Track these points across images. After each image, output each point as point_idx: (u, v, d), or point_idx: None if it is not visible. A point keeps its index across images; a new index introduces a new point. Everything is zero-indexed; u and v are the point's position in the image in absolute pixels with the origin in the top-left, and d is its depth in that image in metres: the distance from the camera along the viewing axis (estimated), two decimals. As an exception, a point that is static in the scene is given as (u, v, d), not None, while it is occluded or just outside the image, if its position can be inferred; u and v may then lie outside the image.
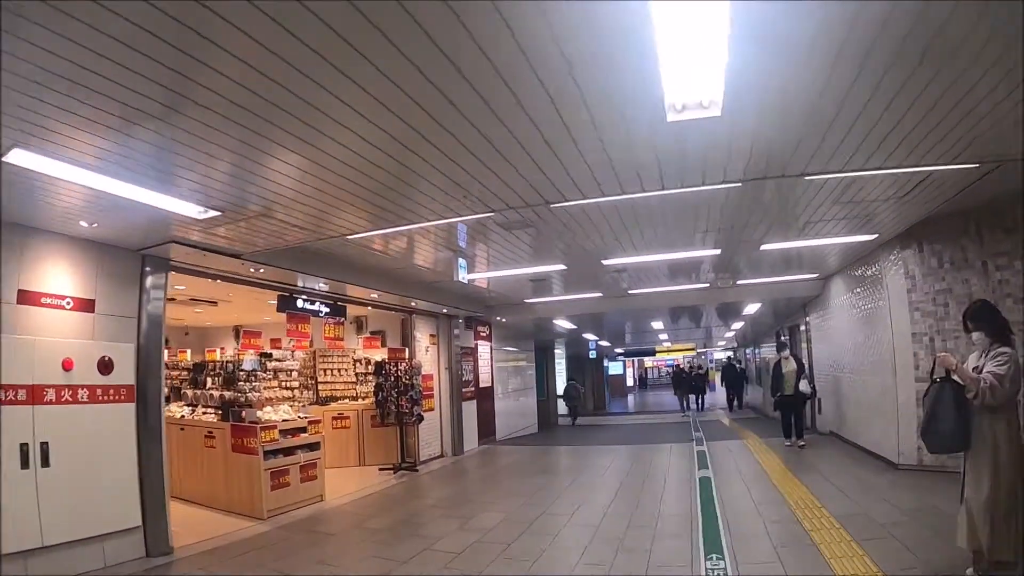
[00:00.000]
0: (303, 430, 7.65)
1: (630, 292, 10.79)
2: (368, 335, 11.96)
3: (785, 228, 6.77)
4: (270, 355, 9.86)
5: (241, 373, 8.20)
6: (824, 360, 12.11)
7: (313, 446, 7.69)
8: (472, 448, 12.39)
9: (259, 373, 8.59)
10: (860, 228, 6.96)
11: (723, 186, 4.72)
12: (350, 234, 5.60)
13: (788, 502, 6.42)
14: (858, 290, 9.49)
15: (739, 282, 10.65)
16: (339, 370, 11.80)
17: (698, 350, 35.18)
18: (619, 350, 29.68)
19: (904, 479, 7.05)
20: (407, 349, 10.37)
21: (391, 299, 9.25)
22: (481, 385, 13.27)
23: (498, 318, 13.04)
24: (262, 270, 6.77)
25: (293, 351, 10.24)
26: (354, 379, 11.73)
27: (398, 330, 11.30)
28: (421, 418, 9.94)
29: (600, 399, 29.76)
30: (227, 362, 9.04)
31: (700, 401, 21.67)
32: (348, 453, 10.63)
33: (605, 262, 7.49)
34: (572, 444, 13.41)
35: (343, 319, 9.08)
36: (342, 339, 11.43)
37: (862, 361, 9.28)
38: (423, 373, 10.16)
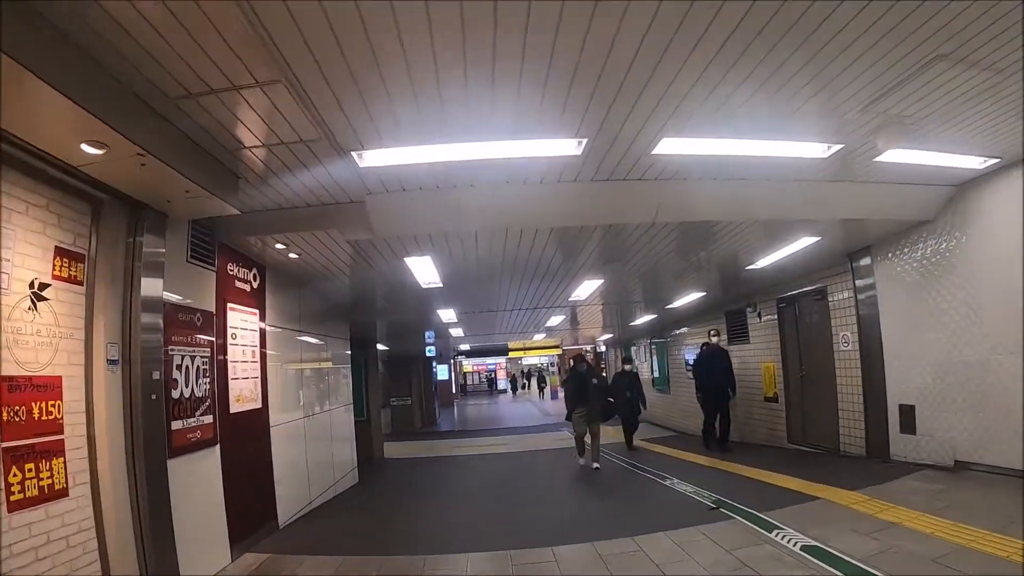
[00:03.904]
0: None
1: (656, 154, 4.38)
2: None
3: None
4: None
5: None
6: (927, 346, 7.02)
7: None
8: (208, 579, 4.92)
9: None
10: None
11: None
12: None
13: None
14: None
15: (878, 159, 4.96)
16: None
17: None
18: (464, 347, 23.23)
19: None
20: None
21: None
22: (238, 407, 5.62)
23: (279, 246, 5.70)
24: None
25: None
26: None
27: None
28: None
29: (430, 413, 23.40)
30: None
31: (631, 427, 12.10)
32: None
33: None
34: (444, 536, 6.49)
35: None
36: None
37: None
38: (31, 374, 2.61)
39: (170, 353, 4.55)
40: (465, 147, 3.99)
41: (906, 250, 7.38)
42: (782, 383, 10.21)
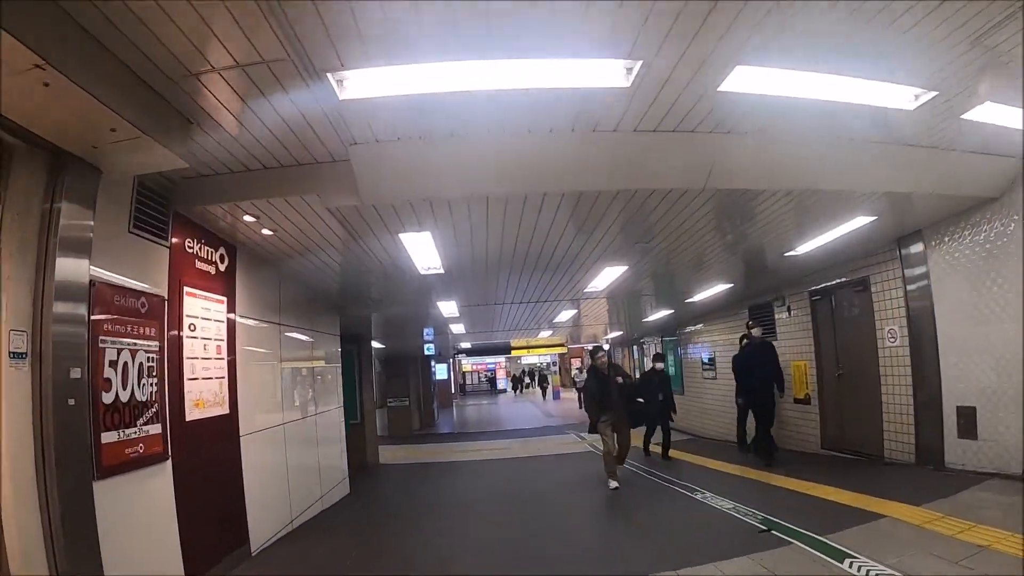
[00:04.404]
0: None
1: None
2: None
3: None
4: None
5: None
6: (991, 340, 6.18)
7: None
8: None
9: None
10: None
11: None
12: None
13: None
14: None
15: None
16: None
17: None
18: (465, 345, 22.21)
19: None
20: None
21: None
22: (197, 414, 4.59)
23: (248, 219, 4.61)
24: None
25: None
26: None
27: None
28: None
29: (428, 414, 22.44)
30: None
31: (665, 439, 10.36)
32: None
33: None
34: (448, 565, 5.53)
35: None
36: None
37: None
38: None
39: (101, 345, 3.55)
40: (480, 68, 2.98)
41: (966, 233, 6.47)
42: (815, 383, 9.25)
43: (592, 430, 8.18)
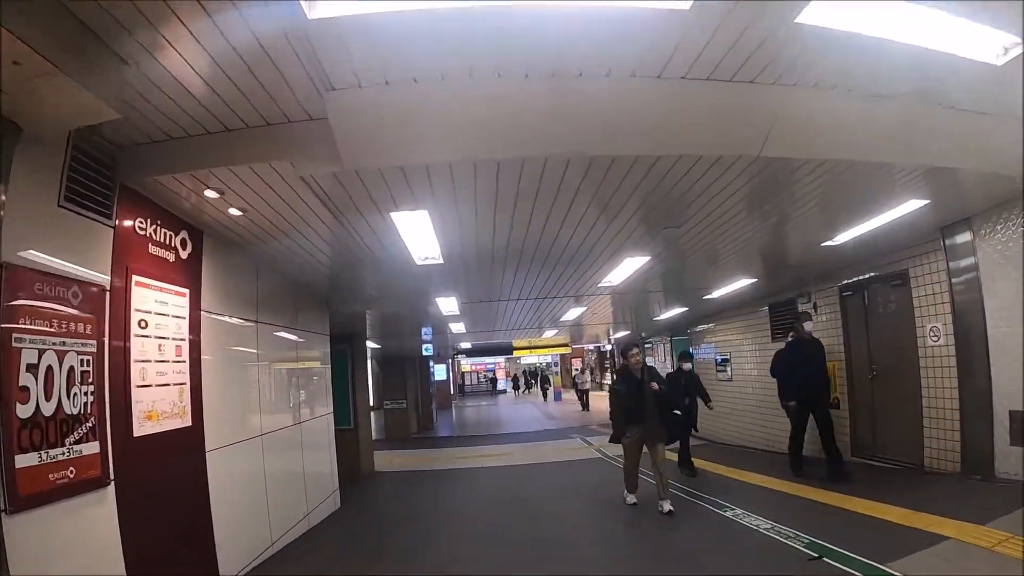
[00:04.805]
0: None
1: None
2: None
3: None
4: None
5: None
6: None
7: None
8: None
9: None
10: None
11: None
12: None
13: None
14: None
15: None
16: None
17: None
18: (465, 345, 21.46)
19: None
20: None
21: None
22: (150, 427, 3.83)
23: (211, 194, 3.85)
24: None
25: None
26: None
27: None
28: None
29: (427, 416, 21.71)
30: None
31: (683, 444, 9.08)
32: None
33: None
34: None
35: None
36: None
37: None
38: None
39: (15, 345, 2.81)
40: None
41: (1021, 221, 5.79)
42: (845, 386, 8.53)
43: (615, 440, 7.17)
